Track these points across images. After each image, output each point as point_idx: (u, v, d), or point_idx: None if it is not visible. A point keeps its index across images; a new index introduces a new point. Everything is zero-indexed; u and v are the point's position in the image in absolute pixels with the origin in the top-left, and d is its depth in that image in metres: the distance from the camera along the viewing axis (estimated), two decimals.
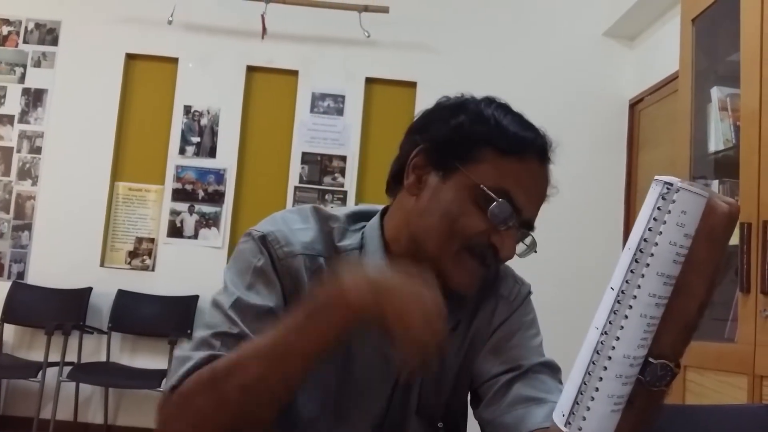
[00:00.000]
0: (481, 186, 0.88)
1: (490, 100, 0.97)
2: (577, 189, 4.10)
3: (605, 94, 4.24)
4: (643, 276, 0.62)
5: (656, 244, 0.62)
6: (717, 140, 2.43)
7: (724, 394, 2.06)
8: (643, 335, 0.64)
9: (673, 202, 0.62)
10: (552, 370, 0.96)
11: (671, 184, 0.62)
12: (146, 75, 4.34)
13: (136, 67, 4.34)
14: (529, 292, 1.06)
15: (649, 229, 0.62)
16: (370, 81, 4.28)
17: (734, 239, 2.16)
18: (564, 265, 3.99)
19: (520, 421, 0.89)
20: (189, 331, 3.90)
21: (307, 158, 4.25)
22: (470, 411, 1.03)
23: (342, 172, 4.23)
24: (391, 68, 4.21)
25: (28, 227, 4.17)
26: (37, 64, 4.29)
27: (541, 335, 1.01)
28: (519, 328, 0.99)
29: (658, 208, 0.62)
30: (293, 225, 0.95)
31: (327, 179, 4.24)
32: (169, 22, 4.07)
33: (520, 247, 0.95)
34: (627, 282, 0.63)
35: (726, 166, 2.36)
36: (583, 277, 3.96)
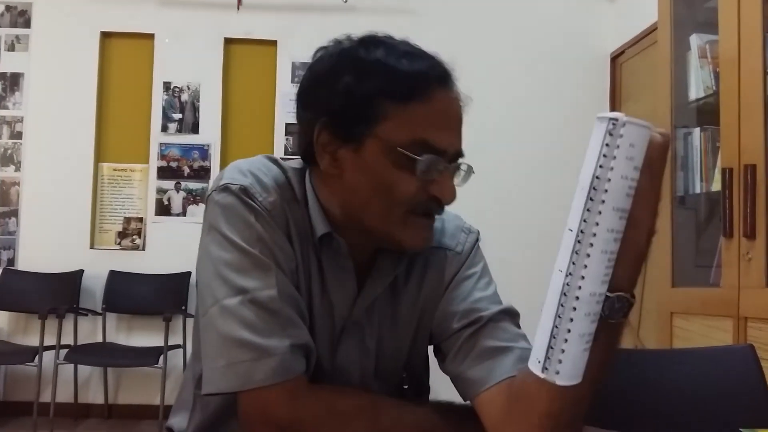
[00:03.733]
0: (398, 149, 0.85)
1: (367, 42, 0.89)
2: (560, 143, 4.11)
3: (587, 48, 4.21)
4: (600, 213, 0.63)
5: (609, 180, 0.62)
6: (698, 88, 2.44)
7: (711, 338, 2.10)
8: (605, 271, 0.65)
9: (621, 136, 0.62)
10: (511, 316, 0.95)
11: (616, 120, 0.62)
12: (123, 53, 4.27)
13: (112, 45, 4.27)
14: (477, 239, 1.04)
15: (600, 166, 0.63)
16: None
17: (716, 185, 2.18)
18: (546, 221, 4.02)
19: (489, 372, 0.89)
20: (183, 308, 3.93)
21: (291, 129, 4.21)
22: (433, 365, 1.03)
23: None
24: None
25: (15, 213, 4.14)
26: (11, 47, 4.21)
27: (494, 281, 1.00)
28: (472, 280, 0.98)
29: (607, 145, 0.63)
30: (259, 174, 0.92)
31: None
32: None
33: (458, 178, 0.91)
34: (585, 221, 0.63)
35: (707, 114, 2.37)
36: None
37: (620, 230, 0.65)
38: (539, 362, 0.66)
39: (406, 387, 1.00)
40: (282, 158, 0.98)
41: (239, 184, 0.89)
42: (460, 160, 0.91)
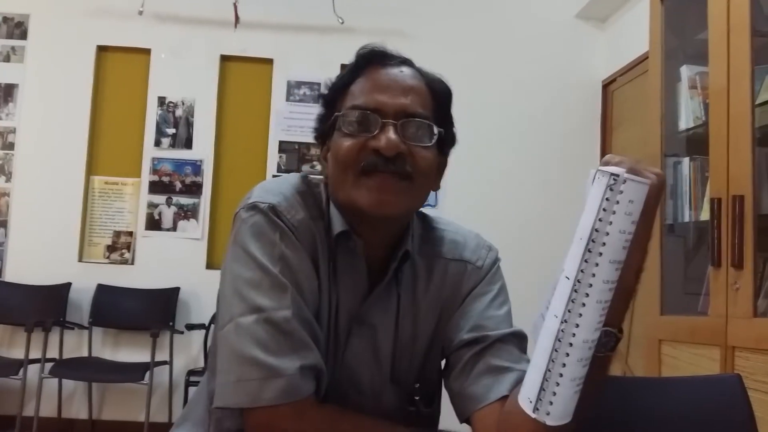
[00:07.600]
0: (335, 114, 0.94)
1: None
2: (552, 169, 4.15)
3: (578, 75, 4.27)
4: (597, 265, 0.64)
5: (607, 233, 0.63)
6: (687, 118, 2.47)
7: (698, 366, 2.11)
8: (599, 319, 0.66)
9: (621, 192, 0.63)
10: (519, 339, 0.97)
11: (617, 176, 0.63)
12: (118, 67, 4.29)
13: (108, 60, 4.28)
14: (498, 258, 1.06)
15: (600, 220, 0.64)
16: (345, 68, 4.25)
17: (705, 214, 2.21)
18: (539, 247, 4.04)
19: (488, 390, 0.90)
20: (171, 324, 3.91)
21: (284, 147, 4.23)
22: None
23: (320, 160, 4.22)
24: None
25: (4, 224, 4.11)
26: (7, 58, 4.21)
27: (510, 302, 1.02)
28: (488, 297, 1.00)
29: (607, 199, 0.63)
30: (287, 192, 0.95)
31: (305, 167, 4.23)
32: (140, 13, 4.02)
33: (424, 139, 0.93)
34: (582, 271, 0.64)
35: (696, 143, 2.40)
36: (558, 258, 4.02)
37: (615, 281, 0.66)
38: (531, 402, 0.67)
39: (417, 398, 1.01)
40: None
41: (267, 202, 0.92)
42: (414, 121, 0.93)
